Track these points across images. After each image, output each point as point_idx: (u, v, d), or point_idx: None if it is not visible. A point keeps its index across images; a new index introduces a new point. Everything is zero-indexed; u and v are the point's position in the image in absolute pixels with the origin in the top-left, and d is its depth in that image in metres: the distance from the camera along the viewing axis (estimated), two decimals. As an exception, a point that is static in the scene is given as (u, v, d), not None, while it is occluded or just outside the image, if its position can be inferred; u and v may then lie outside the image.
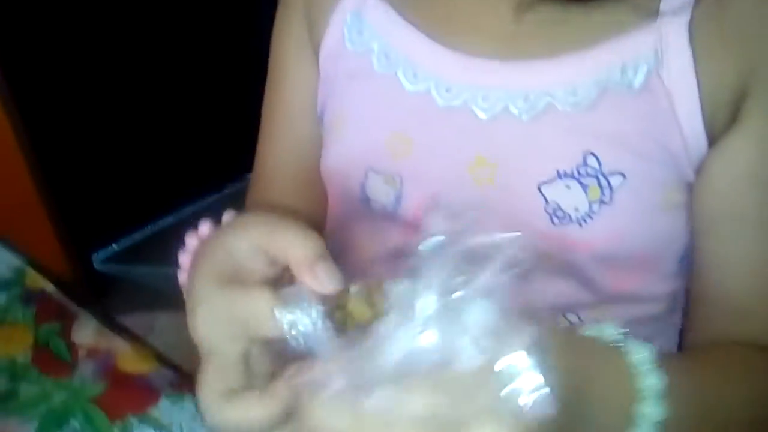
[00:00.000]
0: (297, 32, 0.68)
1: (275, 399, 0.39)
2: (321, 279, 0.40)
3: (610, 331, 0.43)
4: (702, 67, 0.54)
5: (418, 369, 0.35)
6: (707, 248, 0.60)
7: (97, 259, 1.86)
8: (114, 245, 1.87)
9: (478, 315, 0.36)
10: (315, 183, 0.69)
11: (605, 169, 0.55)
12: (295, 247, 0.41)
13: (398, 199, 0.61)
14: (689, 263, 0.63)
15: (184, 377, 0.60)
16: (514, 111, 0.57)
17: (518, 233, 0.38)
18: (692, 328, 0.64)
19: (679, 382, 0.42)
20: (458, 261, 0.38)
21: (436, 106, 0.59)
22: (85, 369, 0.60)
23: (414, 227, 0.62)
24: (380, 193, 0.62)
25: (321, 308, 0.39)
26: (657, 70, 0.55)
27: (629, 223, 0.56)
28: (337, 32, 0.64)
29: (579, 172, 0.55)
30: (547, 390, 0.34)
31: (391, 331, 0.36)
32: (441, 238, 0.40)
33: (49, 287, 0.67)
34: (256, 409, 0.39)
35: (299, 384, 0.38)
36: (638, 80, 0.55)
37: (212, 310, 0.41)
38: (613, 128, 0.55)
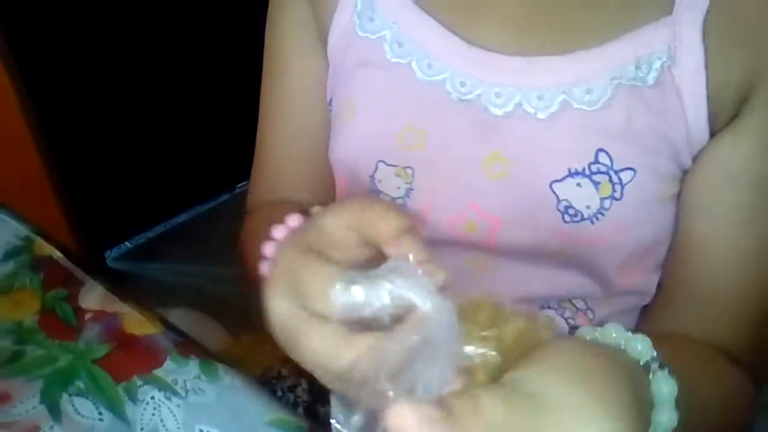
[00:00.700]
0: (299, 19, 0.67)
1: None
2: (406, 250, 0.40)
3: (641, 347, 0.41)
4: (712, 62, 0.54)
5: None
6: (684, 241, 0.60)
7: (110, 256, 1.86)
8: (127, 243, 1.87)
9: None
10: (323, 173, 0.68)
11: (617, 166, 0.55)
12: (385, 220, 0.41)
13: (408, 192, 0.61)
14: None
15: (190, 341, 0.59)
16: (530, 109, 0.56)
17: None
18: (654, 315, 0.64)
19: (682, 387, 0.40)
20: None
21: (450, 99, 0.58)
22: (91, 332, 0.59)
23: (422, 221, 0.61)
24: (390, 185, 0.61)
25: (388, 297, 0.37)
26: (669, 67, 0.55)
27: (637, 217, 0.57)
28: (346, 19, 0.63)
29: (591, 170, 0.55)
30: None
31: None
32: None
33: (56, 254, 0.67)
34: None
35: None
36: (652, 76, 0.54)
37: (287, 275, 0.41)
38: (625, 125, 0.55)
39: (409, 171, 0.60)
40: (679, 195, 0.58)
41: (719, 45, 0.54)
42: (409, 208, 0.61)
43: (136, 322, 0.60)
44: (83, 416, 0.53)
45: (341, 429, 0.37)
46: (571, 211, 0.56)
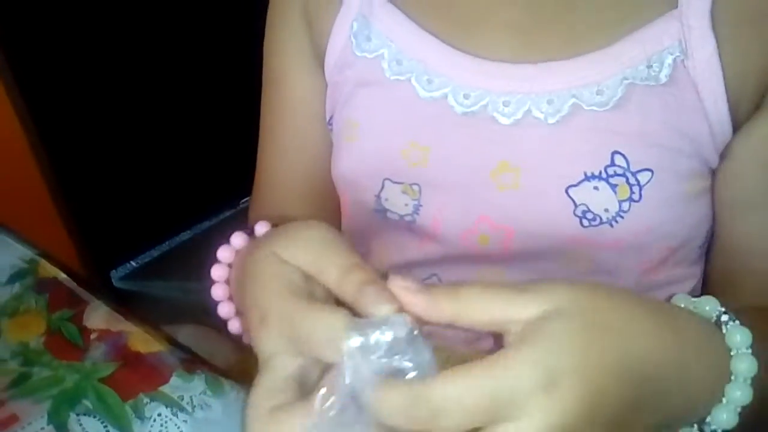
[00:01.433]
0: (296, 40, 0.67)
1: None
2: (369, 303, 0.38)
3: (709, 308, 0.43)
4: (725, 51, 0.53)
5: None
6: (732, 233, 0.60)
7: (116, 276, 1.87)
8: (132, 262, 1.88)
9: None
10: (326, 194, 0.68)
11: (633, 167, 0.54)
12: (339, 276, 0.40)
13: (417, 208, 0.60)
14: (708, 249, 0.63)
15: (196, 357, 0.60)
16: (539, 115, 0.55)
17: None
18: None
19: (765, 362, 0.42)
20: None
21: (453, 113, 0.58)
22: (97, 351, 0.60)
23: (433, 237, 0.61)
24: (398, 203, 0.61)
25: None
26: (682, 61, 0.54)
27: (658, 217, 0.56)
28: (342, 39, 0.63)
29: (607, 173, 0.55)
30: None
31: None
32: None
33: (61, 276, 0.67)
34: (301, 427, 0.37)
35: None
36: (664, 73, 0.53)
37: (281, 324, 0.40)
38: (640, 125, 0.54)
39: (415, 188, 0.60)
40: (710, 192, 0.57)
41: (731, 32, 0.53)
42: (418, 225, 0.60)
43: (142, 340, 0.60)
44: (91, 436, 0.53)
45: None
46: (589, 216, 0.55)
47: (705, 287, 0.65)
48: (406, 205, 0.61)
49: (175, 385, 0.56)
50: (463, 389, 0.33)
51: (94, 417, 0.55)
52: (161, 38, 1.73)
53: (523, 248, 0.59)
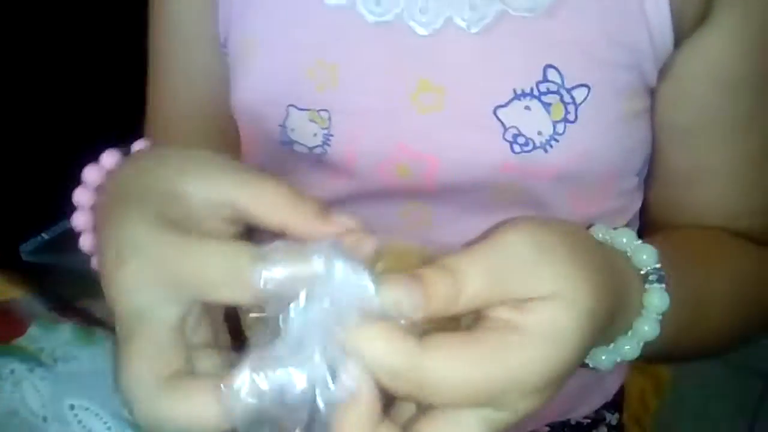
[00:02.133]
0: None
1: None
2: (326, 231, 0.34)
3: (623, 239, 0.41)
4: None
5: None
6: (671, 158, 0.57)
7: (26, 249, 1.75)
8: (43, 235, 1.77)
9: None
10: (225, 129, 0.62)
11: (568, 83, 0.51)
12: (287, 207, 0.34)
13: (327, 138, 0.55)
14: (646, 178, 0.60)
15: (62, 304, 0.51)
16: (461, 23, 0.51)
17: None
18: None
19: (673, 267, 0.41)
20: None
21: (364, 23, 0.52)
22: (-61, 304, 0.50)
23: (346, 171, 0.56)
24: (305, 133, 0.56)
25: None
26: None
27: (595, 141, 0.53)
28: None
29: (539, 90, 0.51)
30: None
31: None
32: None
33: None
34: (210, 405, 0.30)
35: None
36: None
37: (150, 263, 0.32)
38: (575, 34, 0.51)
39: (324, 114, 0.54)
40: (649, 114, 0.55)
41: None
42: (330, 157, 0.55)
43: (-3, 287, 0.50)
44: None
45: None
46: (520, 140, 0.51)
47: (645, 214, 0.62)
48: (315, 135, 0.55)
49: (34, 336, 0.47)
50: (465, 374, 0.30)
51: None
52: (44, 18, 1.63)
53: (448, 179, 0.55)
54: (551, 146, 0.52)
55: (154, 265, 0.32)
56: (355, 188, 0.57)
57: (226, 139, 0.63)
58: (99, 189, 0.44)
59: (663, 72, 0.54)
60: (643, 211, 0.63)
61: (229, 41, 0.58)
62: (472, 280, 0.31)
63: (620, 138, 0.54)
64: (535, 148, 0.52)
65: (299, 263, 0.31)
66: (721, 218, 0.57)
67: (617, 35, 0.51)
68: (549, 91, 0.51)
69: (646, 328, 0.39)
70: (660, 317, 0.39)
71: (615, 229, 0.42)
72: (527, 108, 0.51)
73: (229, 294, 0.31)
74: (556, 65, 0.51)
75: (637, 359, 0.41)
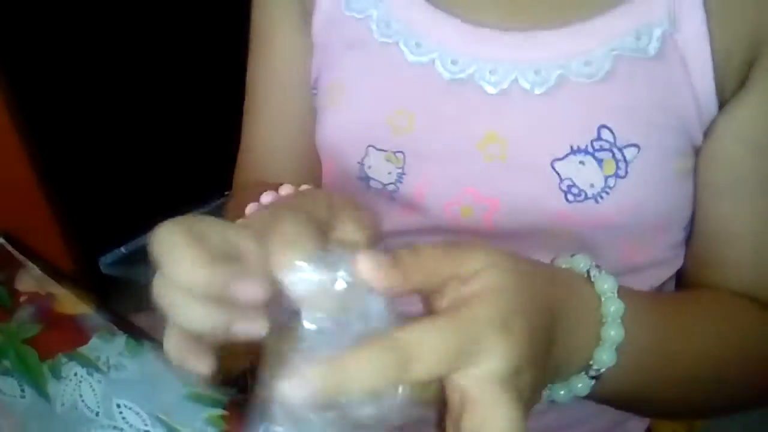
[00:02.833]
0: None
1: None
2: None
3: (581, 263, 0.44)
4: (714, 25, 0.52)
5: None
6: (708, 216, 0.59)
7: (104, 262, 1.87)
8: (122, 248, 1.88)
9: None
10: (309, 159, 0.67)
11: (620, 142, 0.53)
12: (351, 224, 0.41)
13: (400, 177, 0.59)
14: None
15: (119, 320, 0.59)
16: (525, 85, 0.54)
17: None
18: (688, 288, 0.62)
19: (639, 310, 0.43)
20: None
21: (441, 80, 0.56)
22: (24, 313, 0.60)
23: (415, 207, 0.60)
24: (381, 171, 0.60)
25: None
26: (671, 34, 0.53)
27: (644, 195, 0.55)
28: None
29: (593, 147, 0.54)
30: None
31: None
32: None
33: None
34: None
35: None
36: (653, 46, 0.53)
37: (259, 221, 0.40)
38: (627, 99, 0.53)
39: (399, 155, 0.58)
40: (693, 172, 0.56)
41: (719, 6, 0.52)
42: (401, 194, 0.60)
43: (68, 302, 0.60)
44: (5, 394, 0.53)
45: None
46: (574, 191, 0.54)
47: (682, 269, 0.63)
48: (390, 173, 0.60)
49: (94, 346, 0.56)
50: (435, 335, 0.33)
51: (12, 376, 0.54)
52: (149, 30, 1.74)
53: (506, 222, 0.58)
54: (602, 198, 0.54)
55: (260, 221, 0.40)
56: (422, 223, 0.60)
57: (311, 171, 0.67)
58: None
59: (707, 133, 0.55)
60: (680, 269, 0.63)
61: (319, 83, 0.63)
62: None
63: (667, 194, 0.56)
64: (587, 198, 0.54)
65: (326, 275, 0.35)
66: (746, 282, 0.57)
67: (666, 101, 0.53)
68: (602, 149, 0.53)
69: (613, 333, 0.41)
70: (620, 320, 0.41)
71: (572, 256, 0.44)
72: (582, 163, 0.53)
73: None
74: (609, 126, 0.53)
75: (595, 398, 0.42)
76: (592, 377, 0.42)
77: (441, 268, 0.37)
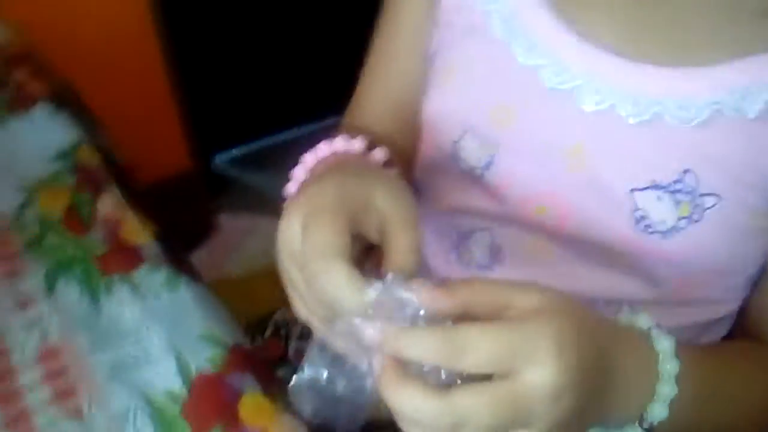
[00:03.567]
0: None
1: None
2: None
3: (642, 321, 0.48)
4: None
5: None
6: None
7: (218, 160, 2.03)
8: (234, 150, 2.03)
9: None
10: (412, 118, 0.71)
11: (701, 189, 0.54)
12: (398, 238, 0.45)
13: (488, 165, 0.62)
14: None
15: (176, 255, 0.70)
16: (622, 113, 0.55)
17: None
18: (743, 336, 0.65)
19: (692, 368, 0.47)
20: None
21: (542, 86, 0.58)
22: (98, 233, 0.71)
23: (495, 194, 0.63)
24: (472, 155, 0.63)
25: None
26: None
27: (712, 243, 0.56)
28: None
29: (674, 187, 0.54)
30: None
31: None
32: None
33: (95, 162, 0.79)
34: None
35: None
36: (755, 109, 0.52)
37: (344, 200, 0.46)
38: (718, 152, 0.53)
39: (494, 146, 0.61)
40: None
41: None
42: (486, 180, 0.63)
43: (132, 230, 0.71)
44: (68, 299, 0.66)
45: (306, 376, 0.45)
46: (645, 222, 0.56)
47: (739, 314, 0.65)
48: (479, 158, 0.62)
49: (141, 274, 0.67)
50: (493, 335, 0.38)
51: (76, 285, 0.67)
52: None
53: (574, 231, 0.59)
54: (670, 236, 0.55)
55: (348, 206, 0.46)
56: (500, 210, 0.63)
57: (410, 130, 0.72)
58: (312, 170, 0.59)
59: None
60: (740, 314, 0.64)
61: (435, 59, 0.66)
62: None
63: (737, 246, 0.56)
64: (654, 232, 0.55)
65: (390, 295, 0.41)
66: None
67: (756, 160, 0.53)
68: (682, 191, 0.54)
69: (667, 389, 0.45)
70: (675, 378, 0.45)
71: (635, 314, 0.48)
72: (659, 198, 0.54)
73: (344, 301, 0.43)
74: (695, 171, 0.53)
75: None
76: (646, 429, 0.46)
77: (496, 296, 0.42)
